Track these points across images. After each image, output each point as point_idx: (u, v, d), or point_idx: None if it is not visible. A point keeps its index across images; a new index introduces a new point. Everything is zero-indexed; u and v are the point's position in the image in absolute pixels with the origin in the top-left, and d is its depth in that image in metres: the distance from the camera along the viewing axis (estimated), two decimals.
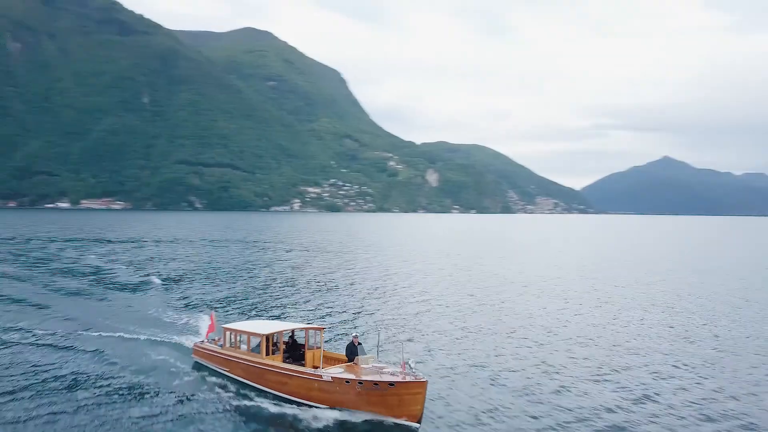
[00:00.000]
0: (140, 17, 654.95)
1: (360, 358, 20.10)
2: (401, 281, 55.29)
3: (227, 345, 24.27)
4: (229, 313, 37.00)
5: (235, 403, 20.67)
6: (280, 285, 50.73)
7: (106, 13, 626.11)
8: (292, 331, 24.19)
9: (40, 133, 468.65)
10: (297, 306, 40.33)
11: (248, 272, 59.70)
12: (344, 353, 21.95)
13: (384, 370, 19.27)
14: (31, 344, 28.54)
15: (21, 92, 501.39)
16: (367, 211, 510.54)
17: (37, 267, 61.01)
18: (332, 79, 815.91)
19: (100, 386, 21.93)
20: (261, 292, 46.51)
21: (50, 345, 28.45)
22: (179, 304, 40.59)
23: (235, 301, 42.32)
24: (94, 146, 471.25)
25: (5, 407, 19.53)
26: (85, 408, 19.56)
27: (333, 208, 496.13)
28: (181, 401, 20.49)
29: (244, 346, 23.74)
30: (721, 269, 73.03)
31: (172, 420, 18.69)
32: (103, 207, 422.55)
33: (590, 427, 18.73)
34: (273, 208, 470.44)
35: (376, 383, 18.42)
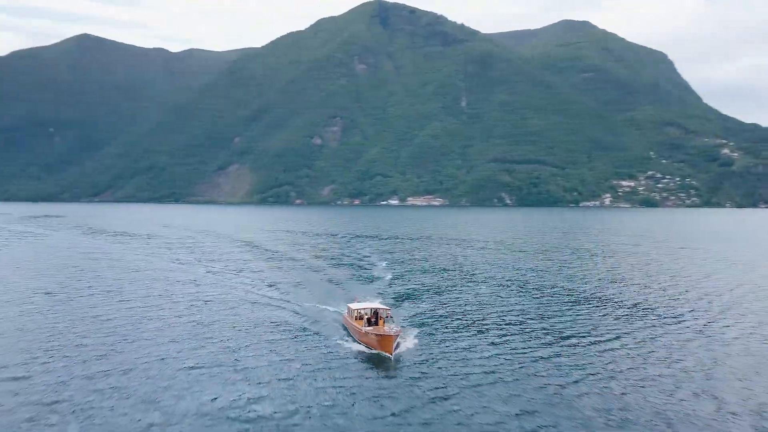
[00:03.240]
0: (461, 26, 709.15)
1: (386, 324, 35.58)
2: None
3: (350, 315, 39.39)
4: (390, 297, 50.34)
5: (341, 342, 37.03)
6: (449, 282, 60.72)
7: (432, 28, 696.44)
8: (371, 309, 38.40)
9: (378, 141, 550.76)
10: (434, 300, 50.53)
11: (458, 272, 70.68)
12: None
13: (390, 329, 34.06)
14: (275, 306, 47.88)
15: (365, 107, 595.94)
16: (690, 206, 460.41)
17: (329, 257, 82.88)
18: (656, 62, 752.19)
19: (286, 331, 39.89)
20: (433, 285, 57.54)
21: (284, 308, 47.18)
22: (371, 292, 54.74)
23: (406, 292, 54.57)
24: (418, 150, 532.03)
25: (255, 349, 35.86)
26: (279, 344, 36.54)
27: (649, 203, 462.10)
28: (322, 339, 37.92)
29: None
30: None
31: (313, 342, 36.88)
32: (424, 204, 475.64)
33: None
34: (582, 204, 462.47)
35: (377, 335, 33.68)
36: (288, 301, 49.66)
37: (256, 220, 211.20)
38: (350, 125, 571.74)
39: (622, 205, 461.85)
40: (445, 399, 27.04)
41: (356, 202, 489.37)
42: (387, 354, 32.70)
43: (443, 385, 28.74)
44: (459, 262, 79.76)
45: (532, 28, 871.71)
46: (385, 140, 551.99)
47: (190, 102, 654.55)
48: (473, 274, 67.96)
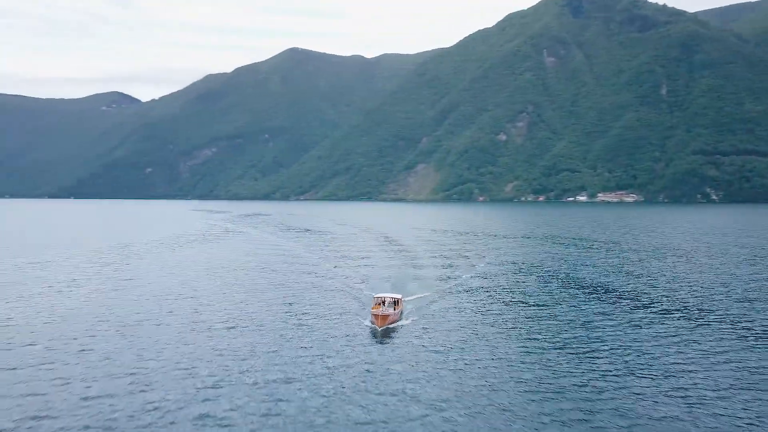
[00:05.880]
0: (663, 8, 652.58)
1: (387, 308, 45.18)
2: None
3: (373, 302, 48.51)
4: (445, 290, 58.17)
5: (361, 320, 46.30)
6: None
7: (628, 13, 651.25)
8: (392, 297, 47.32)
9: (566, 135, 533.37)
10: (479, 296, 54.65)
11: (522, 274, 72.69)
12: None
13: (383, 311, 44.00)
14: (346, 293, 55.84)
15: (553, 100, 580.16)
16: None
17: (440, 255, 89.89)
18: None
19: (334, 312, 49.78)
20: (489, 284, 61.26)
21: (351, 296, 57.05)
22: (427, 286, 61.80)
23: (466, 289, 60.03)
24: (611, 143, 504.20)
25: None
26: (320, 319, 46.59)
27: None
28: (353, 318, 47.58)
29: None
30: None
31: (344, 319, 46.76)
32: (615, 200, 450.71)
33: None
34: None
35: (376, 315, 43.42)
36: (360, 290, 58.43)
37: (424, 217, 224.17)
38: (536, 120, 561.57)
39: None
40: (397, 364, 35.02)
41: (540, 198, 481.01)
42: (377, 327, 43.14)
43: (405, 357, 36.42)
44: (567, 271, 74.63)
45: (752, 0, 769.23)
46: (573, 134, 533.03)
47: (381, 105, 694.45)
48: (566, 287, 62.77)
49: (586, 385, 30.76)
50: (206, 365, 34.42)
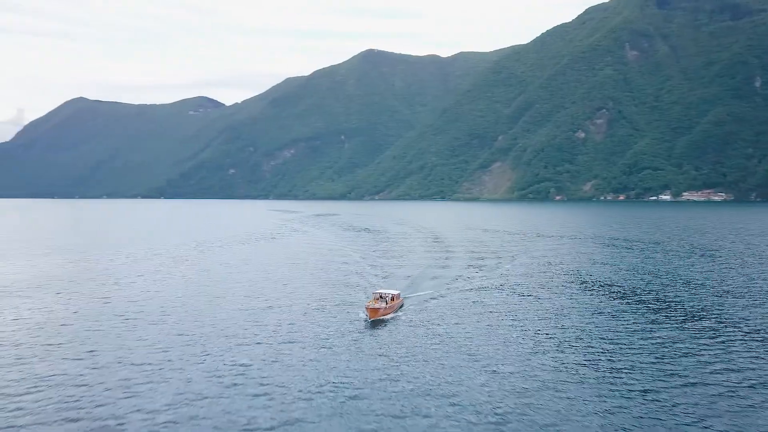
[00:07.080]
0: None
1: (380, 302, 48.73)
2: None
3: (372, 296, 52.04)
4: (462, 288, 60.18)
5: (358, 312, 50.25)
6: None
7: (719, 2, 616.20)
8: (389, 293, 50.99)
9: (648, 132, 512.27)
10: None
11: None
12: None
13: (375, 304, 47.65)
14: (358, 287, 61.00)
15: (635, 96, 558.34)
16: None
17: (474, 254, 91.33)
18: None
19: (342, 303, 54.41)
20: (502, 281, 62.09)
21: (362, 289, 60.55)
22: (443, 283, 64.75)
23: (484, 287, 62.02)
24: (698, 139, 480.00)
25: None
26: (327, 310, 50.00)
27: None
28: (354, 310, 51.83)
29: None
30: None
31: (346, 311, 51.07)
32: (702, 199, 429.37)
33: None
34: None
35: (370, 309, 47.13)
36: (377, 287, 60.49)
37: (485, 218, 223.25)
38: (617, 116, 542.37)
39: None
40: (373, 338, 41.33)
41: (621, 197, 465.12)
42: (368, 318, 47.37)
43: (385, 345, 40.04)
44: (592, 273, 72.61)
45: None
46: (657, 130, 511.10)
47: (456, 104, 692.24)
48: (582, 287, 62.69)
49: (575, 380, 32.94)
50: (242, 332, 43.78)
